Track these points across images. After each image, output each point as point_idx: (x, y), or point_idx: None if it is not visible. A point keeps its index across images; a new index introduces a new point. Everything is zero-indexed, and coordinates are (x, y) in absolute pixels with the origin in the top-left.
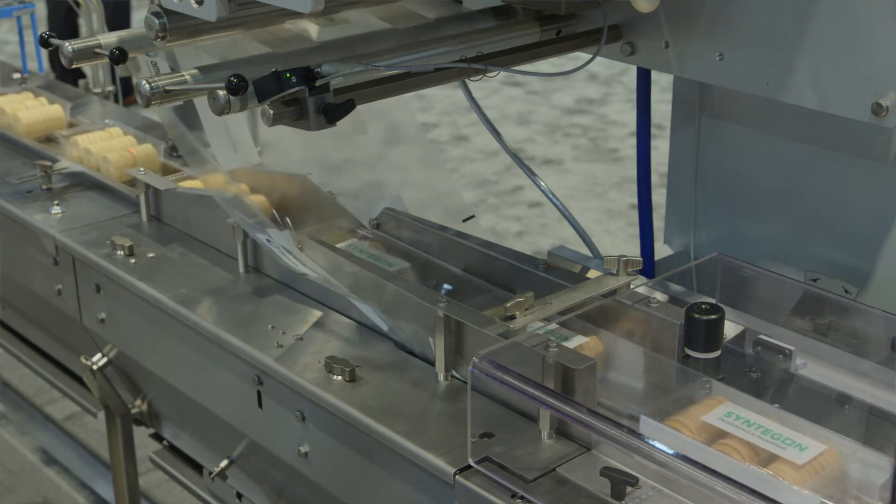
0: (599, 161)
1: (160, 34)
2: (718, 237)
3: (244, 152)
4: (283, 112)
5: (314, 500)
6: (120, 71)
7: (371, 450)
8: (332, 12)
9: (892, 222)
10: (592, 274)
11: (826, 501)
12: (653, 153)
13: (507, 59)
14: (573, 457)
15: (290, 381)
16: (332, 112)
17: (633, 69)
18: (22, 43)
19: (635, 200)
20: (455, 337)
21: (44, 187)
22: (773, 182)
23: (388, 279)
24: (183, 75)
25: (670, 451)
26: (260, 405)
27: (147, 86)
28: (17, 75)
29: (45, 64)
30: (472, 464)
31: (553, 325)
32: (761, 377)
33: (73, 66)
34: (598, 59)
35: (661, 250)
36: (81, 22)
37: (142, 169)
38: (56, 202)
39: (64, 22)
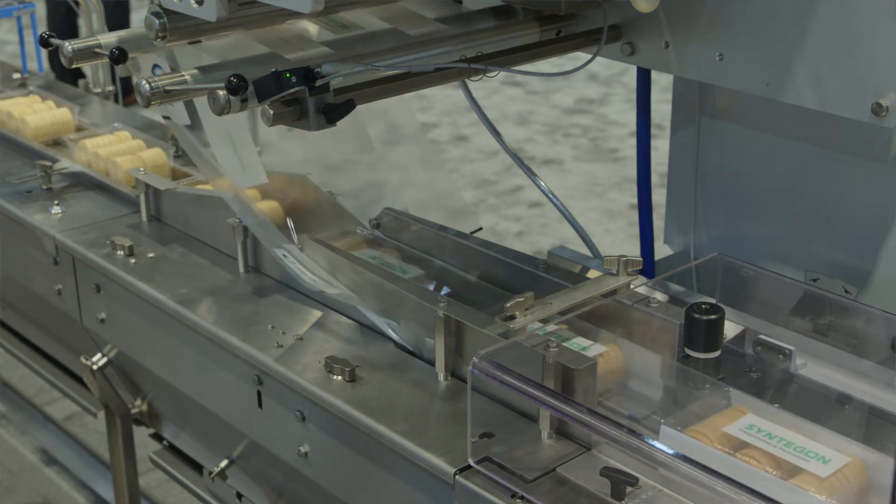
0: (599, 161)
1: (160, 34)
2: (718, 237)
3: (252, 169)
4: (283, 112)
5: (314, 500)
6: (120, 71)
7: (371, 450)
8: (332, 12)
9: (892, 222)
10: (592, 274)
11: None
12: (653, 153)
13: (507, 59)
14: (573, 457)
15: (290, 381)
16: (332, 112)
17: (633, 69)
18: (22, 43)
19: (635, 200)
20: (455, 337)
21: (44, 187)
22: (773, 182)
23: (388, 279)
24: (183, 75)
25: (670, 451)
26: (260, 405)
27: (147, 86)
28: (17, 75)
29: (45, 64)
30: (472, 464)
31: (569, 333)
32: (761, 377)
33: (73, 66)
34: (598, 59)
35: (661, 250)
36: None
37: (142, 169)
38: (56, 202)
39: (64, 22)
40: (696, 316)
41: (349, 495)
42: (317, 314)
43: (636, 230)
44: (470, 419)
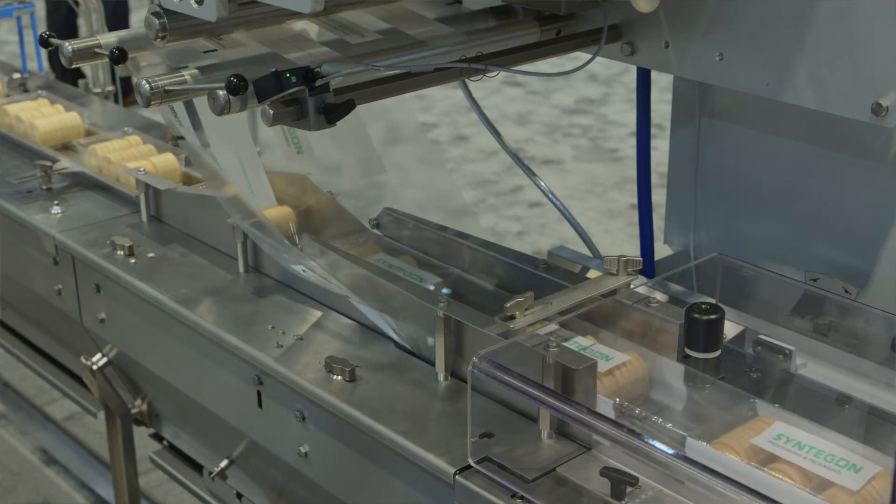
0: (599, 161)
1: (160, 34)
2: (718, 237)
3: (261, 192)
4: (283, 112)
5: (314, 500)
6: (120, 71)
7: (371, 450)
8: (332, 12)
9: (892, 222)
10: (592, 274)
11: None
12: (653, 153)
13: (507, 59)
14: (573, 457)
15: (290, 381)
16: (332, 112)
17: (633, 69)
18: (22, 43)
19: (635, 200)
20: (455, 337)
21: (44, 187)
22: (773, 182)
23: (387, 279)
24: (183, 75)
25: (670, 451)
26: (260, 405)
27: (147, 86)
28: (17, 75)
29: (45, 64)
30: (472, 464)
31: (590, 341)
32: (761, 377)
33: (73, 66)
34: (598, 59)
35: (661, 250)
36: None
37: (142, 169)
38: (56, 202)
39: (64, 22)
40: (696, 316)
41: (349, 495)
42: (317, 314)
43: (636, 230)
44: (470, 419)
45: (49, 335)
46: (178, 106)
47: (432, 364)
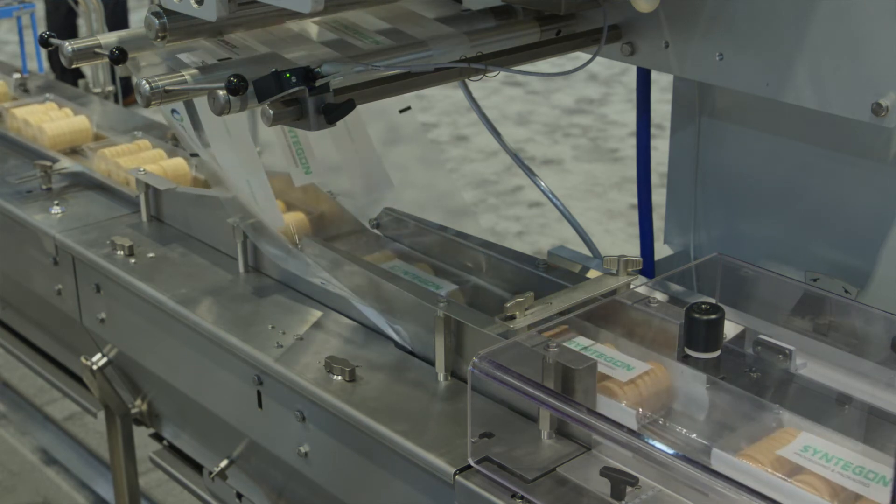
0: (599, 161)
1: (160, 34)
2: (718, 237)
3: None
4: (283, 112)
5: (314, 500)
6: (120, 71)
7: (371, 450)
8: (332, 12)
9: (892, 222)
10: (592, 274)
11: None
12: (653, 153)
13: (507, 59)
14: (573, 457)
15: (290, 381)
16: (332, 112)
17: (633, 69)
18: (22, 43)
19: (635, 200)
20: (455, 337)
21: (44, 187)
22: (773, 182)
23: (387, 279)
24: (183, 75)
25: (670, 451)
26: (260, 405)
27: (147, 86)
28: (17, 75)
29: (45, 64)
30: (472, 464)
31: (613, 351)
32: (761, 377)
33: (73, 66)
34: (598, 59)
35: (661, 250)
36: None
37: (142, 169)
38: (56, 202)
39: (64, 22)
40: (696, 316)
41: (349, 495)
42: (317, 314)
43: (636, 230)
44: (470, 419)
45: (49, 335)
46: (188, 124)
47: (432, 364)
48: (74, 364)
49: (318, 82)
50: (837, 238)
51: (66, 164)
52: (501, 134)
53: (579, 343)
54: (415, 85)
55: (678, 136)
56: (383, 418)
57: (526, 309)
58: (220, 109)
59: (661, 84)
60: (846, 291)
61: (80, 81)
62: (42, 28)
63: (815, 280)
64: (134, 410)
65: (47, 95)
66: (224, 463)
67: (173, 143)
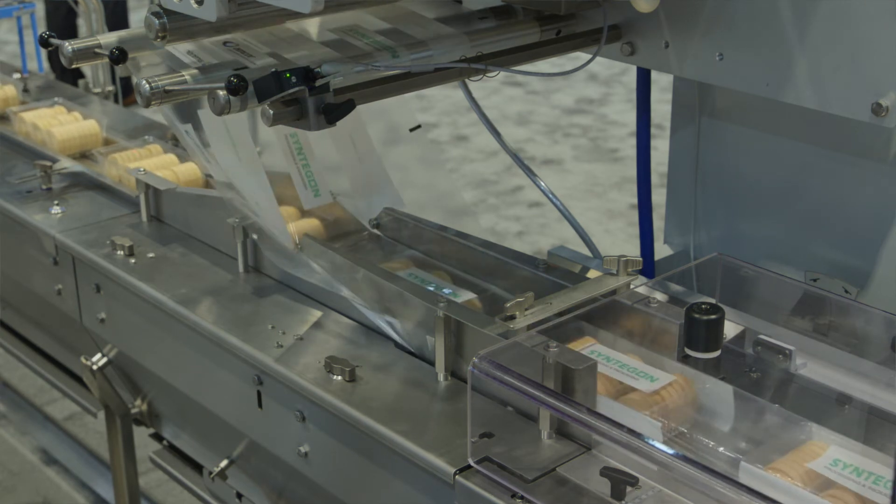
0: (599, 161)
1: (160, 34)
2: (718, 237)
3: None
4: (283, 112)
5: (314, 500)
6: (120, 71)
7: (371, 450)
8: (332, 12)
9: (892, 222)
10: (592, 274)
11: None
12: (653, 153)
13: (507, 59)
14: (573, 457)
15: (290, 381)
16: (332, 112)
17: (633, 69)
18: (22, 43)
19: (635, 200)
20: (455, 337)
21: (44, 187)
22: (773, 182)
23: (387, 279)
24: (183, 75)
25: (670, 451)
26: (260, 405)
27: (147, 86)
28: (16, 75)
29: (45, 64)
30: (472, 464)
31: (635, 361)
32: (761, 377)
33: (73, 66)
34: (598, 59)
35: (661, 250)
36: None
37: (142, 169)
38: (56, 202)
39: (64, 22)
40: (696, 316)
41: (349, 495)
42: (317, 314)
43: (636, 230)
44: (470, 419)
45: (49, 335)
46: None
47: (432, 364)
48: (74, 364)
49: (318, 82)
50: (837, 238)
51: (66, 164)
52: (501, 134)
53: (599, 352)
54: (415, 85)
55: (678, 136)
56: (383, 418)
57: (526, 309)
58: (220, 109)
59: (661, 84)
60: (846, 291)
61: (80, 81)
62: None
63: (815, 280)
64: (134, 410)
65: (56, 99)
66: (224, 463)
67: (173, 143)
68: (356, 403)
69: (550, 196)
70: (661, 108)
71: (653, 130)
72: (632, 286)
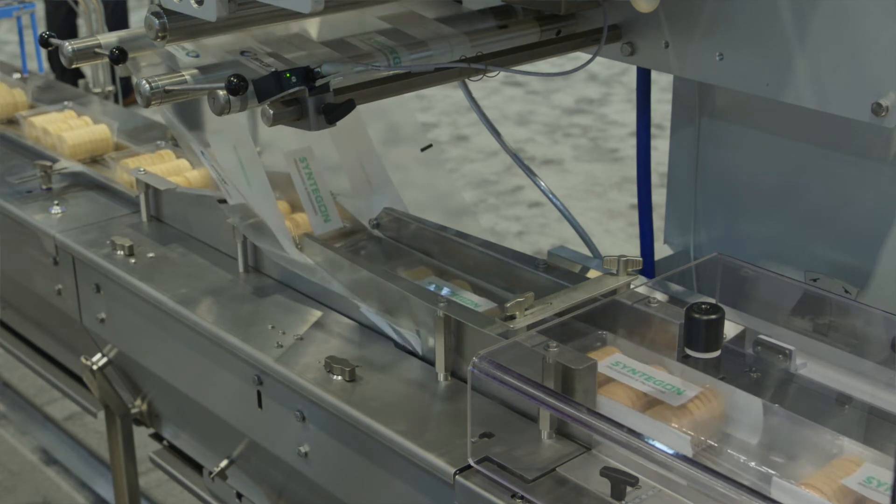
0: (599, 161)
1: (160, 34)
2: (718, 237)
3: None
4: (283, 112)
5: (314, 500)
6: (120, 71)
7: (371, 450)
8: (332, 12)
9: (892, 222)
10: (592, 274)
11: None
12: (653, 153)
13: (507, 59)
14: (573, 457)
15: (290, 381)
16: (332, 112)
17: (633, 69)
18: (22, 43)
19: (635, 200)
20: (455, 337)
21: (44, 187)
22: (773, 182)
23: (388, 279)
24: (183, 75)
25: (670, 451)
26: (260, 405)
27: (147, 86)
28: (16, 75)
29: (45, 64)
30: (472, 464)
31: (661, 373)
32: (761, 377)
33: (73, 66)
34: (598, 59)
35: (661, 250)
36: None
37: (142, 169)
38: (56, 202)
39: (64, 22)
40: (696, 316)
41: (349, 495)
42: (317, 314)
43: (636, 230)
44: (470, 419)
45: (49, 335)
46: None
47: (432, 364)
48: (74, 364)
49: (318, 82)
50: (837, 238)
51: (66, 164)
52: (501, 134)
53: (623, 363)
54: (415, 85)
55: (678, 136)
56: (383, 418)
57: (526, 309)
58: (220, 109)
59: (661, 84)
60: (846, 291)
61: (80, 81)
62: (42, 28)
63: (815, 280)
64: (134, 410)
65: (66, 103)
66: (224, 463)
67: (173, 143)
68: (356, 403)
69: (550, 196)
70: (661, 108)
71: (653, 130)
72: (632, 286)
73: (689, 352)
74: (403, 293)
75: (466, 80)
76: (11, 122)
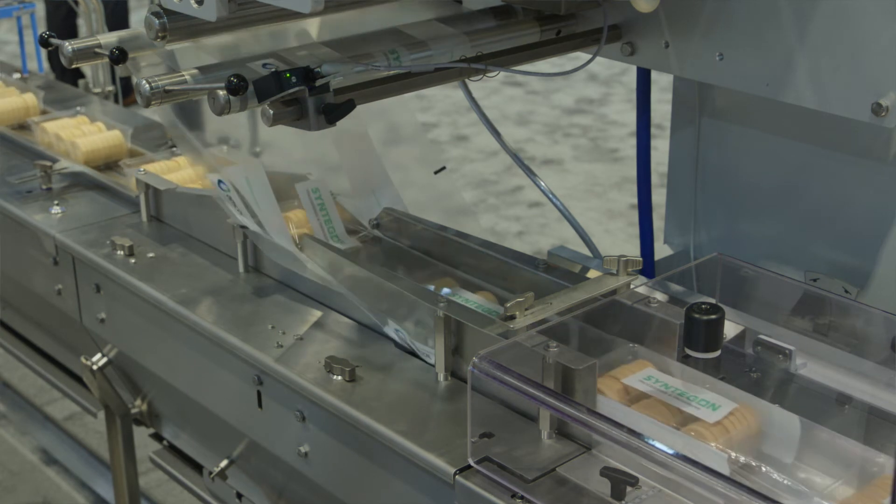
0: (599, 161)
1: (160, 34)
2: (718, 237)
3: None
4: (283, 112)
5: (314, 500)
6: (120, 71)
7: (371, 450)
8: (332, 12)
9: (892, 222)
10: (592, 274)
11: None
12: (653, 153)
13: (507, 59)
14: (573, 457)
15: (290, 381)
16: (332, 112)
17: (633, 69)
18: (22, 43)
19: (635, 200)
20: (455, 337)
21: (44, 187)
22: (773, 182)
23: (388, 279)
24: (183, 75)
25: (670, 451)
26: (260, 405)
27: (147, 86)
28: (17, 75)
29: (45, 64)
30: (472, 464)
31: (695, 388)
32: (761, 377)
33: (73, 66)
34: (598, 59)
35: (661, 250)
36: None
37: (142, 169)
38: (56, 202)
39: (64, 22)
40: (696, 316)
41: (349, 495)
42: (317, 314)
43: (636, 230)
44: (470, 419)
45: (49, 335)
46: (236, 196)
47: (432, 364)
48: (74, 364)
49: (318, 82)
50: (837, 238)
51: (66, 164)
52: (501, 134)
53: (656, 378)
54: (415, 85)
55: (678, 136)
56: (383, 418)
57: (526, 309)
58: (220, 109)
59: (661, 84)
60: (846, 291)
61: (80, 81)
62: (42, 28)
63: (815, 280)
64: (134, 410)
65: (78, 108)
66: (224, 463)
67: (172, 144)
68: (356, 403)
69: (550, 196)
70: (661, 108)
71: (653, 130)
72: (632, 286)
73: (689, 352)
74: (403, 293)
75: (466, 80)
76: (23, 127)
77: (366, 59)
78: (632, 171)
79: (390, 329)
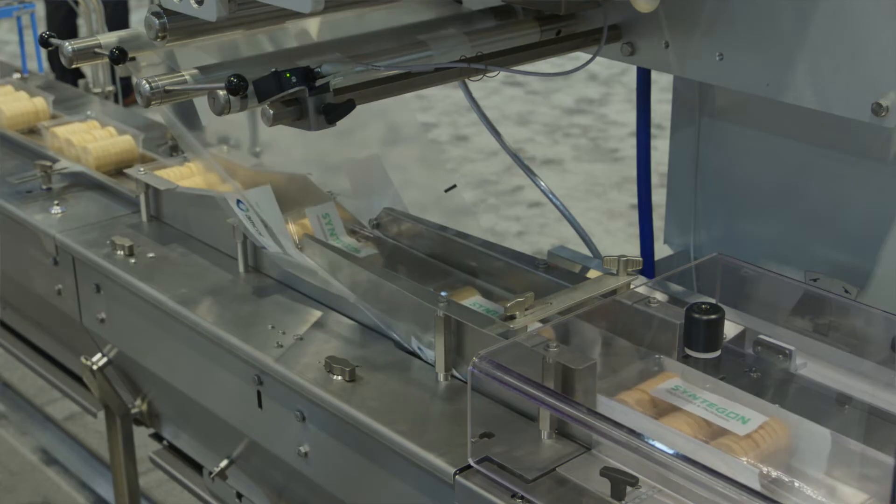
0: (599, 161)
1: (160, 34)
2: (718, 237)
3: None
4: (283, 112)
5: (314, 500)
6: (120, 71)
7: (371, 450)
8: (332, 12)
9: (892, 222)
10: (592, 274)
11: None
12: (653, 153)
13: (507, 59)
14: (573, 457)
15: (290, 381)
16: (332, 112)
17: (633, 69)
18: (22, 43)
19: (635, 200)
20: (455, 337)
21: (44, 187)
22: (773, 182)
23: (388, 279)
24: (183, 75)
25: (670, 451)
26: (260, 405)
27: (147, 86)
28: (16, 75)
29: (45, 64)
30: (472, 464)
31: (724, 400)
32: (761, 377)
33: (73, 66)
34: (598, 59)
35: (661, 250)
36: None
37: (141, 169)
38: (56, 202)
39: (64, 22)
40: (696, 316)
41: (349, 495)
42: (317, 314)
43: (636, 230)
44: (470, 419)
45: (49, 335)
46: (256, 218)
47: (432, 364)
48: (74, 364)
49: (318, 82)
50: (837, 238)
51: (66, 164)
52: (501, 134)
53: (684, 389)
54: (415, 85)
55: (678, 136)
56: (383, 418)
57: (526, 309)
58: (220, 109)
59: (661, 84)
60: (846, 291)
61: (80, 81)
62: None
63: (815, 280)
64: (134, 410)
65: (88, 113)
66: (224, 463)
67: (172, 144)
68: (356, 403)
69: (550, 196)
70: (661, 108)
71: (653, 130)
72: (632, 286)
73: (689, 352)
74: (403, 293)
75: (466, 80)
76: (33, 131)
77: (366, 59)
78: (632, 171)
79: (413, 344)
